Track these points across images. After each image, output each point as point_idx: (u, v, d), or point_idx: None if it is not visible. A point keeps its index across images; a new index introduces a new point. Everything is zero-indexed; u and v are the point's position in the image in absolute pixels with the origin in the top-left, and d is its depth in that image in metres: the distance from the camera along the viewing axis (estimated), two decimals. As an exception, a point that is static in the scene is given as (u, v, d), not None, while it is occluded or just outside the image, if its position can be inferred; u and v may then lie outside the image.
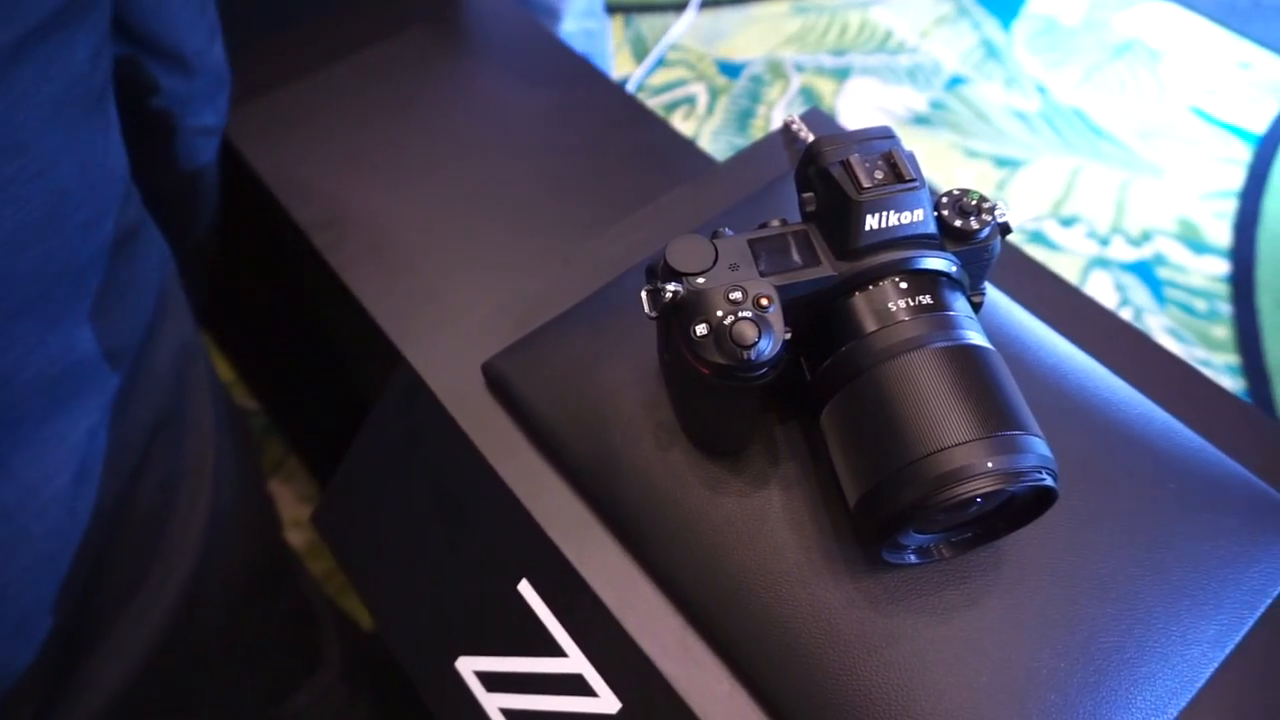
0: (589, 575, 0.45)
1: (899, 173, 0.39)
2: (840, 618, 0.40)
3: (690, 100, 1.54)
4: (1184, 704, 0.40)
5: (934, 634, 0.40)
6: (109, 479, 0.49)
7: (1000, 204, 0.42)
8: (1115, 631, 0.40)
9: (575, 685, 0.46)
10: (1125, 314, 1.28)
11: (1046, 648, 0.40)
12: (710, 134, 1.49)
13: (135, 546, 0.52)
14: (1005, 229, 0.42)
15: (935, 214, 0.41)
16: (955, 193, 0.41)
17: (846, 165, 0.39)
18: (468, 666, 0.50)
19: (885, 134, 0.41)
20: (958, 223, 0.40)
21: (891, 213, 0.39)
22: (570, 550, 0.46)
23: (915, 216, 0.39)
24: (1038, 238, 1.36)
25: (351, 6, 0.86)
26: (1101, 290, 1.30)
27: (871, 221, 0.39)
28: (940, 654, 0.39)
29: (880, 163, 0.39)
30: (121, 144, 0.50)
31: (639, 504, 0.45)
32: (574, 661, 0.46)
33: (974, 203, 0.41)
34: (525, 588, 0.48)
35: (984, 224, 0.40)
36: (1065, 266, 1.32)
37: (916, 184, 0.39)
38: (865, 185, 0.39)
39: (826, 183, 0.40)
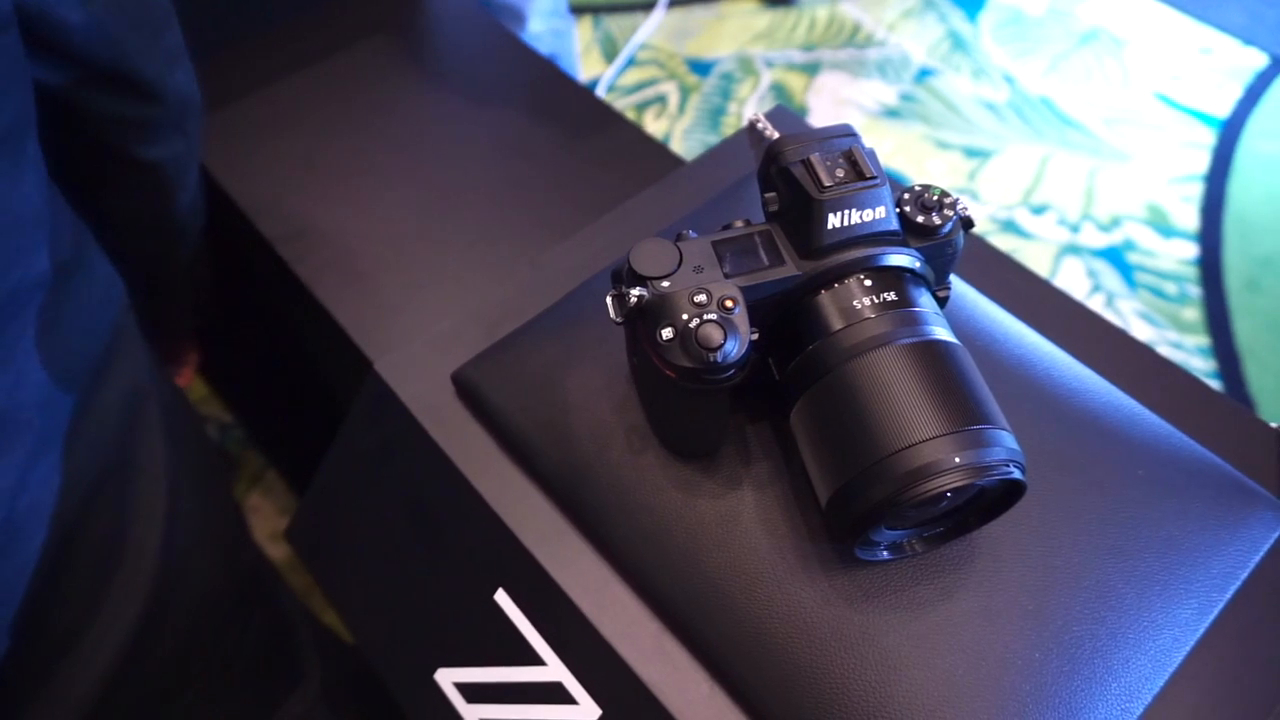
0: (565, 582, 0.45)
1: (860, 170, 0.39)
2: (816, 616, 0.40)
3: (661, 99, 1.54)
4: (1158, 688, 0.41)
5: (909, 629, 0.40)
6: (48, 527, 0.48)
7: (962, 198, 0.42)
8: (1088, 620, 0.41)
9: (555, 693, 0.46)
10: (1097, 299, 1.29)
11: (1021, 638, 0.40)
12: (682, 133, 1.49)
13: (79, 594, 0.51)
14: (968, 223, 0.42)
15: (897, 210, 0.41)
16: (917, 189, 0.41)
17: (807, 164, 0.39)
18: (447, 678, 0.50)
19: (846, 132, 0.41)
20: (920, 218, 0.40)
21: (853, 210, 0.39)
22: (545, 558, 0.46)
23: (877, 214, 0.39)
24: (1010, 227, 1.37)
25: (311, 17, 0.85)
26: (1074, 277, 1.31)
27: (834, 220, 0.39)
28: (916, 648, 0.40)
29: (841, 161, 0.39)
30: (40, 183, 0.48)
31: (613, 509, 0.45)
32: (553, 669, 0.46)
33: (936, 198, 0.41)
34: (502, 597, 0.48)
35: (946, 219, 0.41)
36: (1038, 254, 1.33)
37: (878, 181, 0.39)
38: (827, 184, 0.39)
39: (788, 182, 0.40)
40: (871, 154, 0.40)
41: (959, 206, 0.42)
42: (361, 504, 0.55)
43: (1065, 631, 0.40)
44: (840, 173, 0.39)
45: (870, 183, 0.39)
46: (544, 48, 1.17)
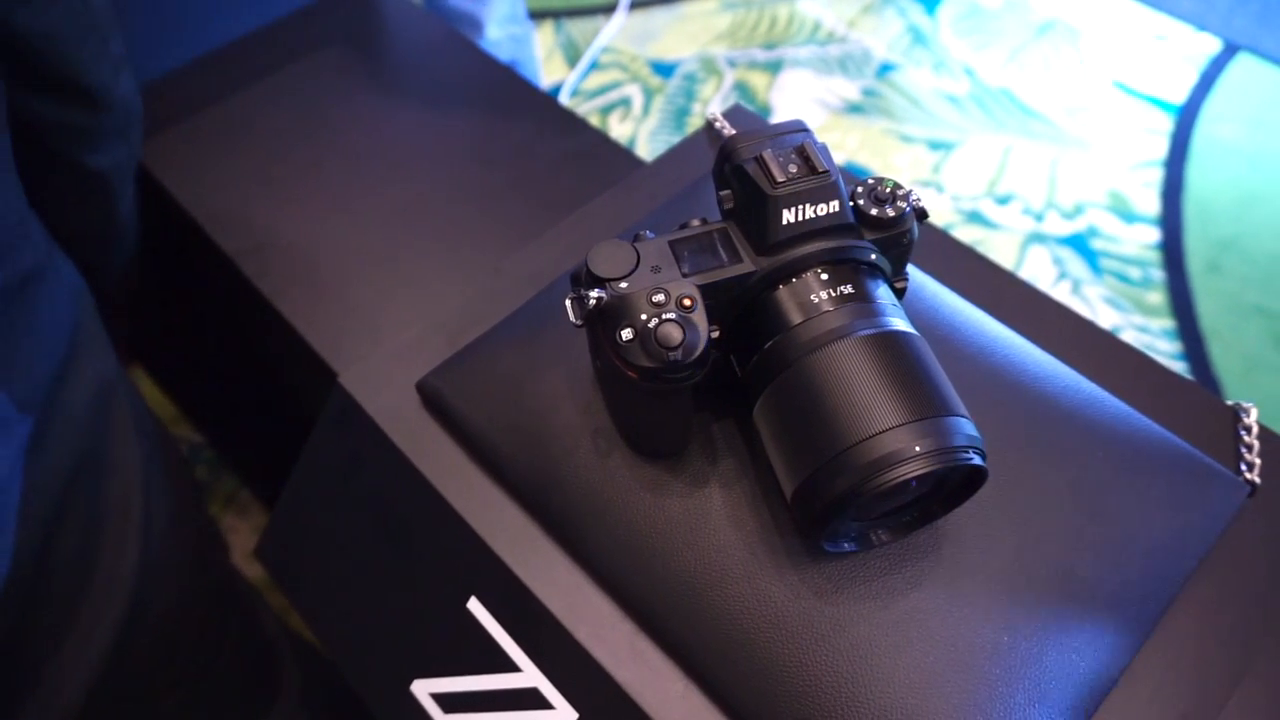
0: (537, 588, 0.45)
1: (812, 165, 0.39)
2: (786, 610, 0.41)
3: (625, 102, 1.54)
4: (1125, 664, 0.41)
5: (879, 618, 0.40)
6: (24, 527, 0.47)
7: (914, 190, 0.42)
8: (1054, 601, 0.41)
9: (531, 699, 0.45)
10: (1064, 287, 1.31)
11: (989, 623, 0.40)
12: (648, 134, 1.50)
13: (60, 593, 0.50)
14: (921, 214, 0.42)
15: (851, 204, 0.41)
16: (870, 181, 0.42)
17: (760, 161, 0.39)
18: (423, 689, 0.50)
19: (798, 127, 0.41)
20: (874, 211, 0.41)
21: (807, 205, 0.39)
22: (516, 564, 0.46)
23: (831, 207, 0.39)
24: (975, 217, 1.38)
25: (266, 29, 0.84)
26: (1039, 265, 1.32)
27: (788, 215, 0.39)
28: (886, 637, 0.40)
29: (794, 156, 0.40)
30: (16, 184, 0.49)
31: (582, 512, 0.45)
32: (528, 675, 0.46)
33: (889, 190, 0.41)
34: (475, 605, 0.47)
35: (900, 210, 0.41)
36: (1004, 244, 1.35)
37: (830, 175, 0.39)
38: (780, 179, 0.39)
39: (742, 179, 0.40)
40: (824, 148, 0.40)
41: (912, 198, 0.42)
42: (330, 518, 0.54)
43: (1033, 614, 0.41)
44: (793, 168, 0.39)
45: (823, 177, 0.39)
46: (504, 54, 1.17)
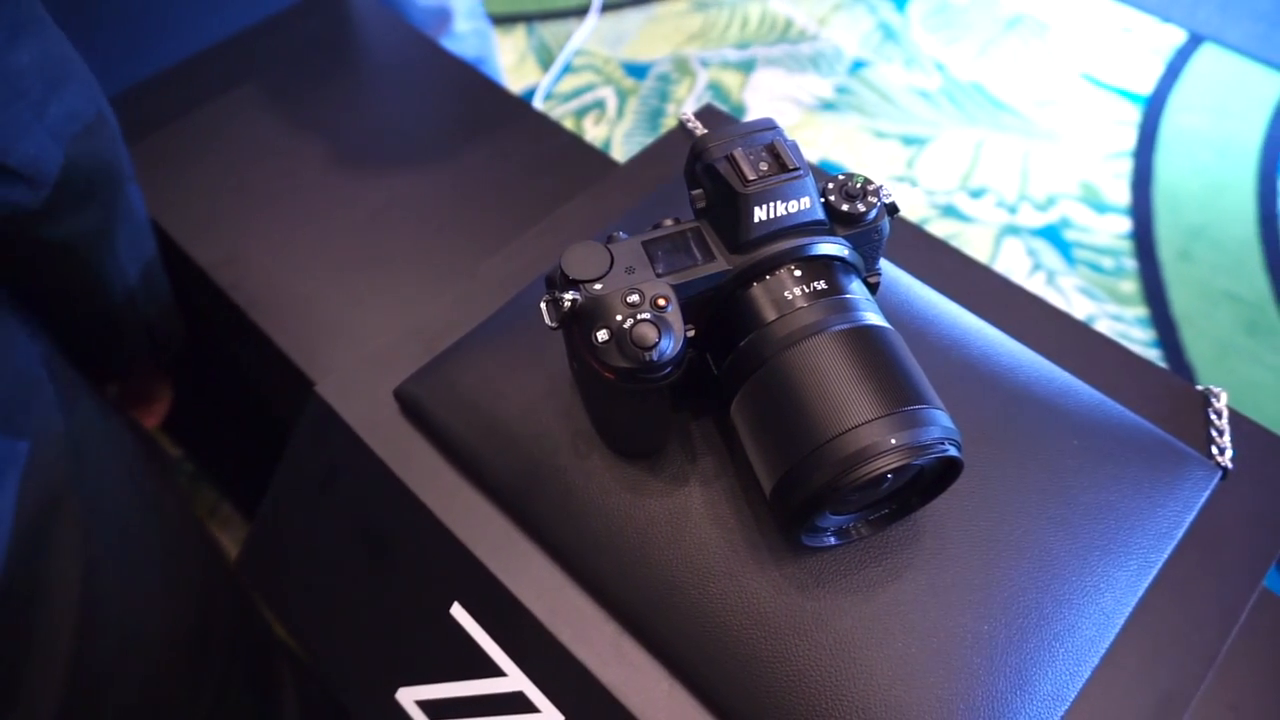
0: (519, 591, 0.45)
1: (783, 163, 0.40)
2: (768, 606, 0.41)
3: (600, 104, 1.54)
4: (1105, 649, 0.42)
5: (860, 611, 0.41)
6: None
7: (887, 185, 0.43)
8: (1033, 589, 0.41)
9: (517, 704, 0.45)
10: (1038, 278, 1.32)
11: (969, 613, 0.41)
12: (623, 136, 1.50)
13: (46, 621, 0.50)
14: (892, 209, 0.43)
15: (822, 200, 0.41)
16: (841, 177, 0.42)
17: (731, 160, 0.39)
18: (409, 697, 0.49)
19: (767, 125, 0.41)
20: (845, 207, 0.41)
21: (779, 203, 0.39)
22: (499, 568, 0.46)
23: (802, 204, 0.40)
24: (950, 211, 1.39)
25: (233, 39, 0.84)
26: (1014, 257, 1.34)
27: (760, 213, 0.39)
28: (868, 630, 0.40)
29: (764, 154, 0.40)
30: None
31: (563, 514, 0.45)
32: (513, 680, 0.45)
33: (859, 186, 0.42)
34: (458, 611, 0.47)
35: (870, 206, 0.41)
36: (979, 236, 1.36)
37: (800, 172, 0.39)
38: (751, 178, 0.39)
39: (713, 178, 0.40)
40: (794, 146, 0.40)
41: (882, 193, 0.42)
42: (310, 528, 0.54)
43: (1012, 602, 0.41)
44: (764, 166, 0.39)
45: (794, 174, 0.39)
46: (469, 51, 1.17)
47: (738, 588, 0.41)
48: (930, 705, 0.39)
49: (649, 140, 1.49)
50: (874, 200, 0.41)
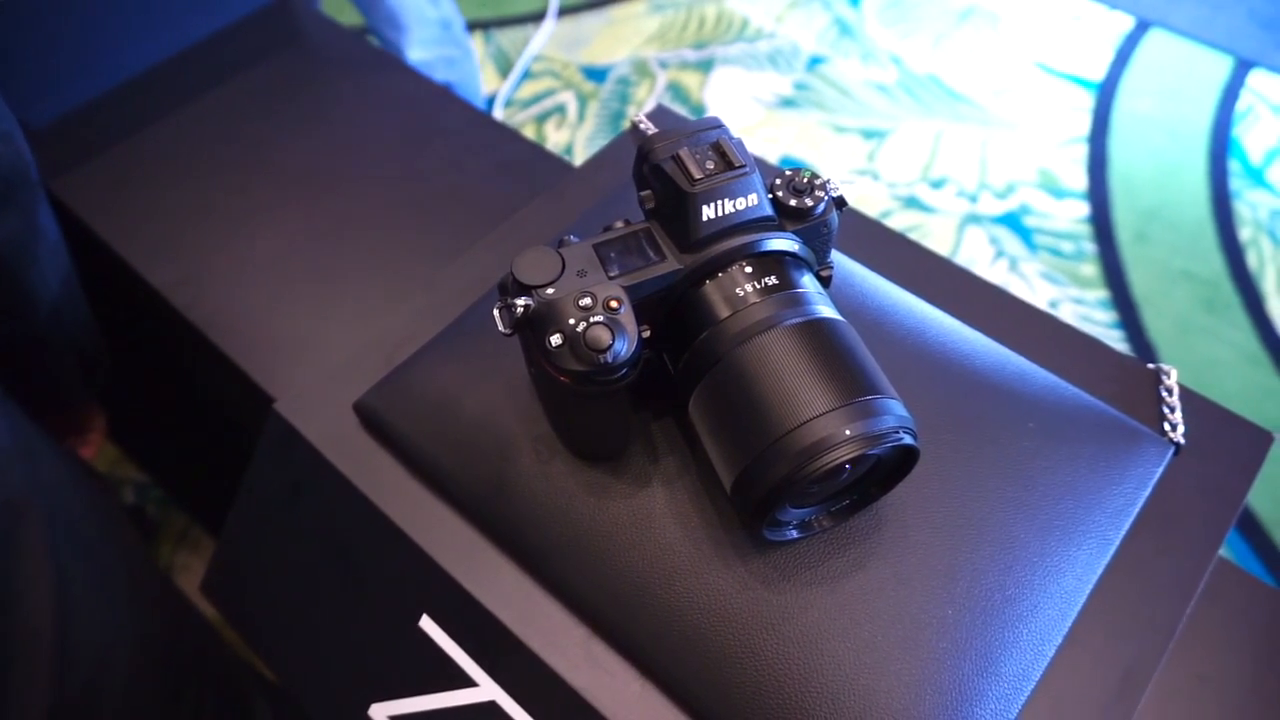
0: (487, 600, 0.45)
1: (729, 160, 0.40)
2: (735, 602, 0.41)
3: (560, 109, 1.54)
4: (1068, 627, 0.42)
5: (826, 603, 0.41)
6: None
7: (832, 179, 0.43)
8: (995, 572, 0.42)
9: (490, 713, 0.45)
10: (1001, 265, 1.34)
11: (933, 598, 0.41)
12: (585, 140, 1.50)
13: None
14: (840, 203, 0.43)
15: (770, 196, 0.41)
16: (788, 173, 0.42)
17: (678, 159, 0.40)
18: (382, 713, 0.49)
19: (713, 124, 0.42)
20: (793, 202, 0.41)
21: (726, 200, 0.39)
22: (466, 578, 0.45)
23: (750, 201, 0.40)
24: (912, 202, 1.41)
25: (182, 54, 0.83)
26: (977, 245, 1.35)
27: (708, 211, 0.39)
28: (835, 621, 0.40)
29: (710, 153, 0.40)
30: None
31: (527, 521, 0.45)
32: (486, 690, 0.45)
33: (806, 180, 0.42)
34: (427, 623, 0.47)
35: (818, 200, 0.42)
36: (941, 227, 1.37)
37: (746, 169, 0.40)
38: (698, 177, 0.39)
39: (661, 179, 0.40)
40: (739, 143, 0.41)
41: (830, 187, 0.43)
42: (276, 548, 0.54)
43: (975, 586, 0.42)
44: (710, 164, 0.40)
45: (740, 171, 0.40)
46: (437, 76, 1.17)
47: (704, 586, 0.42)
48: (898, 691, 0.39)
49: (611, 143, 1.50)
50: (821, 195, 0.42)
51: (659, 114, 0.64)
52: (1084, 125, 1.50)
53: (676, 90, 1.57)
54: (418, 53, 1.10)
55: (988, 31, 1.65)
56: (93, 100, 0.80)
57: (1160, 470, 0.47)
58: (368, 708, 0.49)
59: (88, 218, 0.71)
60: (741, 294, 0.39)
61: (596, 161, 0.63)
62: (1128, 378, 0.51)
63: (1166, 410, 0.49)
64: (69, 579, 0.52)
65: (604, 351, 0.37)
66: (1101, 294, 1.30)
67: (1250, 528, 1.08)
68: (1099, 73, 1.58)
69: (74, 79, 0.81)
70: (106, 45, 0.81)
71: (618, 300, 0.38)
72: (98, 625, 0.55)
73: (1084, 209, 1.39)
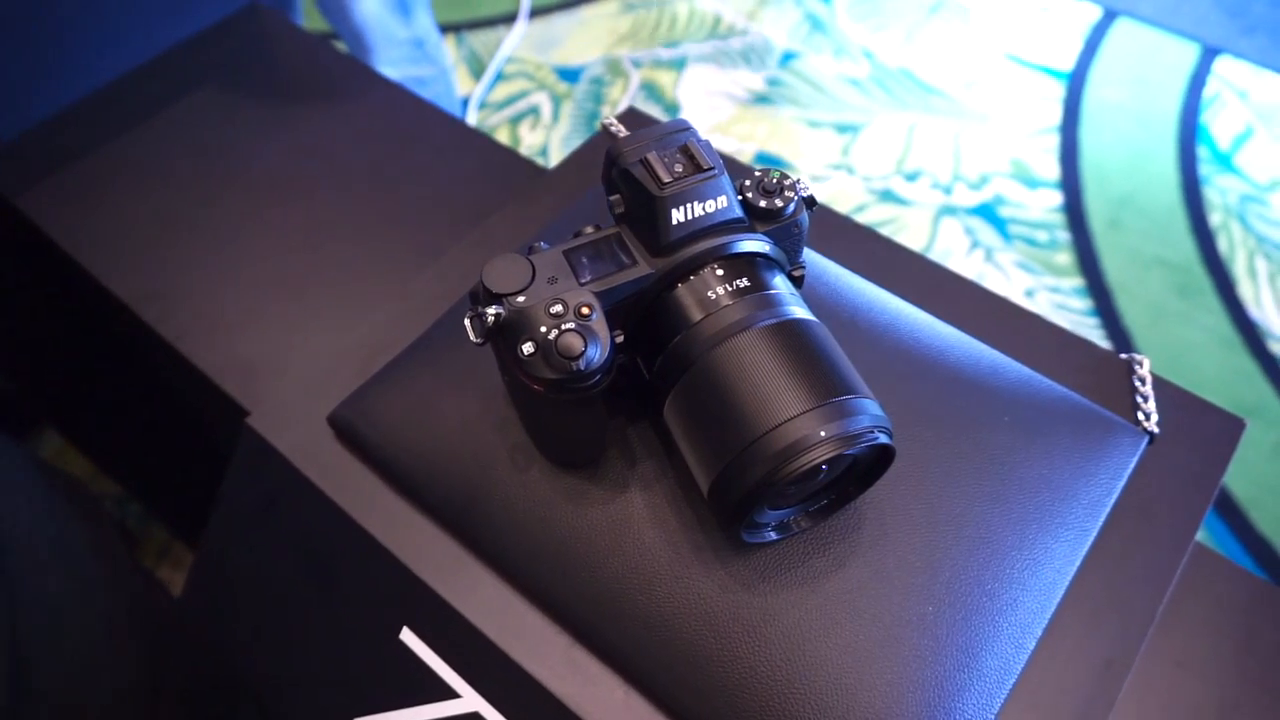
0: (467, 610, 0.44)
1: (697, 163, 0.40)
2: (715, 605, 0.41)
3: (534, 110, 1.54)
4: (1046, 621, 0.42)
5: (807, 603, 0.41)
6: None
7: (802, 179, 0.43)
8: (974, 567, 0.42)
9: (474, 724, 0.45)
10: (977, 255, 1.34)
11: (913, 596, 0.41)
12: (560, 141, 1.49)
13: None
14: (810, 202, 0.43)
15: (740, 197, 0.41)
16: (757, 173, 0.42)
17: (646, 163, 0.39)
18: (365, 727, 0.49)
19: (680, 127, 0.41)
20: (763, 203, 0.41)
21: (696, 203, 0.39)
22: (445, 589, 0.45)
23: (720, 203, 0.40)
24: (888, 196, 1.41)
25: (147, 65, 0.82)
26: (952, 236, 1.36)
27: (678, 215, 0.39)
28: (815, 621, 0.40)
29: (678, 156, 0.40)
30: None
31: (505, 529, 0.45)
32: (468, 700, 0.45)
33: (776, 181, 0.42)
34: (408, 635, 0.46)
35: (788, 200, 0.41)
36: (917, 219, 1.38)
37: (715, 171, 0.40)
38: (666, 180, 0.39)
39: (629, 183, 0.40)
40: (707, 145, 0.40)
41: (799, 187, 0.43)
42: (254, 562, 0.53)
43: (954, 582, 0.42)
44: (679, 168, 0.39)
45: (708, 174, 0.39)
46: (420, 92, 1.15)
47: (684, 590, 0.41)
48: (880, 689, 0.39)
49: (586, 144, 1.49)
50: (791, 195, 0.42)
51: (630, 116, 0.64)
52: (1055, 115, 1.51)
53: (650, 89, 1.56)
54: (386, 72, 1.09)
55: (958, 24, 1.66)
56: (58, 113, 0.78)
57: (1135, 460, 0.47)
58: (350, 722, 0.49)
59: (54, 233, 0.70)
60: (714, 296, 0.39)
61: (567, 165, 0.63)
62: (1101, 369, 0.51)
63: (1140, 400, 0.50)
64: (24, 610, 0.51)
65: (577, 359, 0.37)
66: (1077, 282, 1.31)
67: (1228, 509, 1.10)
68: (1068, 63, 1.59)
69: (39, 91, 0.80)
70: (72, 56, 0.80)
71: (589, 306, 0.38)
72: (63, 654, 0.54)
73: (1057, 198, 1.40)
